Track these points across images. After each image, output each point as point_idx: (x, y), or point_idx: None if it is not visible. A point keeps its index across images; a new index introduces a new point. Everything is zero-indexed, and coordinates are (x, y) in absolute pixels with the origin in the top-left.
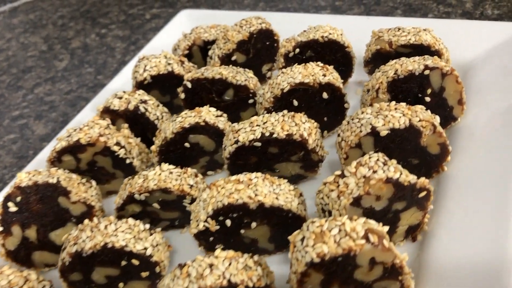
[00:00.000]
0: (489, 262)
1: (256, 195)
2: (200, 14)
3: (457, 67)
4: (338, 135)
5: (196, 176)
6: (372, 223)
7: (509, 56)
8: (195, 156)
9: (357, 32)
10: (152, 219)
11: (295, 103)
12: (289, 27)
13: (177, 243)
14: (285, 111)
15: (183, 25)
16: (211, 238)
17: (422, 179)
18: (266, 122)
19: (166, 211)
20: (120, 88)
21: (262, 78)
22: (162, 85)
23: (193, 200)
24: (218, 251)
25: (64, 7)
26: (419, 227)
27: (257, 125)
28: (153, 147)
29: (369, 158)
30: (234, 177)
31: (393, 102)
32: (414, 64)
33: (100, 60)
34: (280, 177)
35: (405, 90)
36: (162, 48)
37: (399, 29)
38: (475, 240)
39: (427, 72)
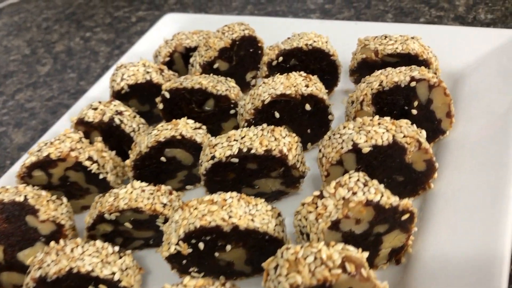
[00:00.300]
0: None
1: (230, 217)
2: (185, 18)
3: (447, 75)
4: (320, 151)
5: (170, 193)
6: (351, 250)
7: (502, 63)
8: (172, 171)
9: (344, 38)
10: (125, 238)
11: (277, 115)
12: (276, 32)
13: (152, 263)
14: (265, 125)
15: (167, 29)
16: (184, 261)
17: (405, 201)
18: (244, 137)
19: (139, 230)
20: (100, 96)
21: (247, 86)
22: (141, 94)
23: (166, 220)
24: (186, 280)
25: (49, 9)
26: (403, 250)
27: (234, 140)
28: (127, 162)
29: (349, 178)
30: (207, 197)
31: (377, 117)
32: (400, 75)
33: (83, 65)
34: (260, 193)
35: (391, 102)
36: (145, 53)
37: (385, 37)
38: (464, 263)
39: (413, 84)
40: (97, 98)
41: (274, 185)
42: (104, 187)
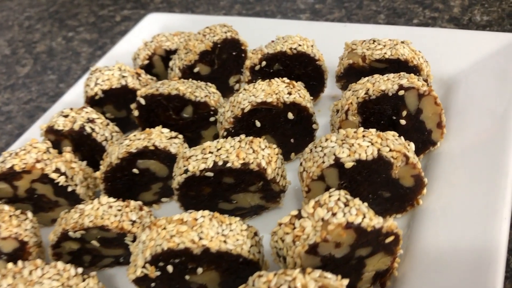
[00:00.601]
0: None
1: (200, 238)
2: (168, 18)
3: (440, 82)
4: (300, 164)
5: (140, 209)
6: (329, 277)
7: (498, 69)
8: (146, 183)
9: (333, 40)
10: (94, 256)
11: (258, 124)
12: (263, 33)
13: (122, 281)
14: (243, 136)
15: (150, 30)
16: (153, 284)
17: (389, 222)
18: (220, 149)
19: (107, 248)
20: (77, 101)
21: (230, 91)
22: (117, 100)
23: (136, 238)
24: None
25: (32, 7)
26: (388, 273)
27: (209, 152)
28: (97, 173)
29: (329, 196)
30: (177, 217)
31: (361, 129)
32: (387, 83)
33: (64, 66)
34: (238, 208)
35: (378, 112)
36: (126, 56)
37: (374, 41)
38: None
39: (401, 92)
40: (73, 103)
41: (253, 199)
42: (74, 199)
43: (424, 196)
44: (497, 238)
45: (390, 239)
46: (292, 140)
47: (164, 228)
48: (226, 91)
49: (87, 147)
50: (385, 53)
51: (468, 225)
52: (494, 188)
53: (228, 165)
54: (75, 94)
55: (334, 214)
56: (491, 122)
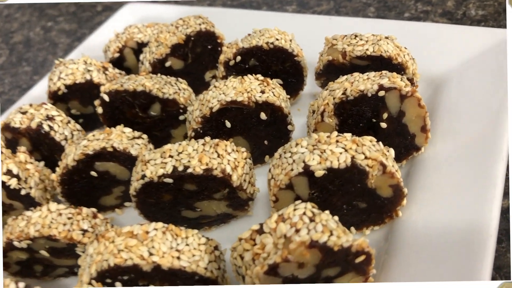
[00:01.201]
0: None
1: (151, 254)
2: (146, 9)
3: (428, 80)
4: (269, 171)
5: (94, 217)
6: None
7: (490, 68)
8: (107, 186)
9: (316, 34)
10: (46, 266)
11: (228, 124)
12: (244, 26)
13: None
14: (207, 138)
15: (128, 20)
16: None
17: (360, 240)
18: (181, 153)
19: (58, 258)
20: (45, 96)
21: (206, 87)
22: (82, 96)
23: None
24: None
25: None
26: None
27: (170, 156)
28: (53, 176)
29: (294, 210)
30: (127, 229)
31: (335, 133)
32: (366, 83)
33: (40, 58)
34: (203, 216)
35: (356, 114)
36: (101, 47)
37: (355, 36)
38: None
39: (382, 93)
40: (43, 98)
41: (219, 207)
42: (29, 203)
43: (404, 207)
44: (483, 255)
45: (360, 258)
46: (266, 142)
47: (113, 242)
48: (202, 87)
49: (45, 147)
50: (367, 49)
51: (453, 238)
52: (481, 197)
53: (189, 170)
54: (44, 88)
55: (297, 231)
56: (481, 125)
